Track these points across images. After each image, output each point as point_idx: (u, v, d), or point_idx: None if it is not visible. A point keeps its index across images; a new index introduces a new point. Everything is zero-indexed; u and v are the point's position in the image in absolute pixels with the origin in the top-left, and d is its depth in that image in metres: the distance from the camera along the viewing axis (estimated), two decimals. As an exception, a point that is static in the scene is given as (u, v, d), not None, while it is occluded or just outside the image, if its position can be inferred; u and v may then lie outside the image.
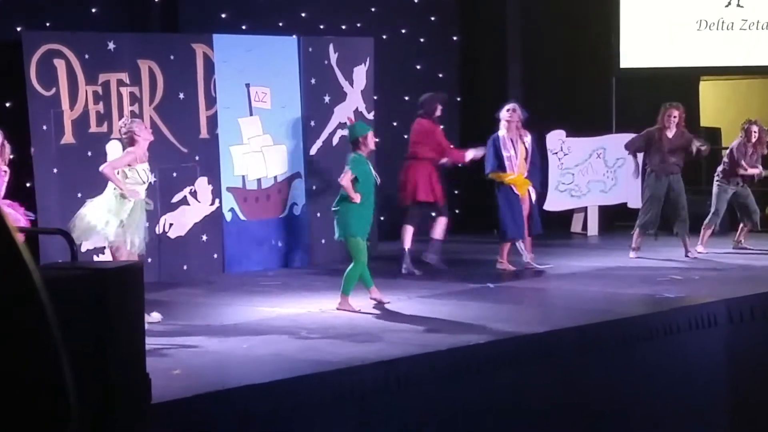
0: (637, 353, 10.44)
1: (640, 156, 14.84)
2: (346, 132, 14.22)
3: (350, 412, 8.51)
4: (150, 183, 10.98)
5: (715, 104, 18.81)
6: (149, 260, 11.99)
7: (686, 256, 14.42)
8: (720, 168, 15.07)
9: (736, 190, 14.97)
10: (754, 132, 15.04)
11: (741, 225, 15.21)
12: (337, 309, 11.07)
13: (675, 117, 14.52)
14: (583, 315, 10.75)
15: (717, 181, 15.04)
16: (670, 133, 14.48)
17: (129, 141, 10.90)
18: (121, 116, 12.52)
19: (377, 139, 12.39)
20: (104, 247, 10.99)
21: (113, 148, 11.96)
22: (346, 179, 11.14)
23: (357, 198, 11.07)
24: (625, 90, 17.54)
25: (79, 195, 11.89)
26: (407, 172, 13.72)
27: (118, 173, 10.59)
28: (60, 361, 2.01)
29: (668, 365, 10.63)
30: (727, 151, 15.19)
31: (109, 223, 10.56)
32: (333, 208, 11.38)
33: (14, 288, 2.00)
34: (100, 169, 10.67)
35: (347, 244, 11.23)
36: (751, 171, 14.91)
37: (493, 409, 9.38)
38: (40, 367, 2.02)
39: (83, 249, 10.72)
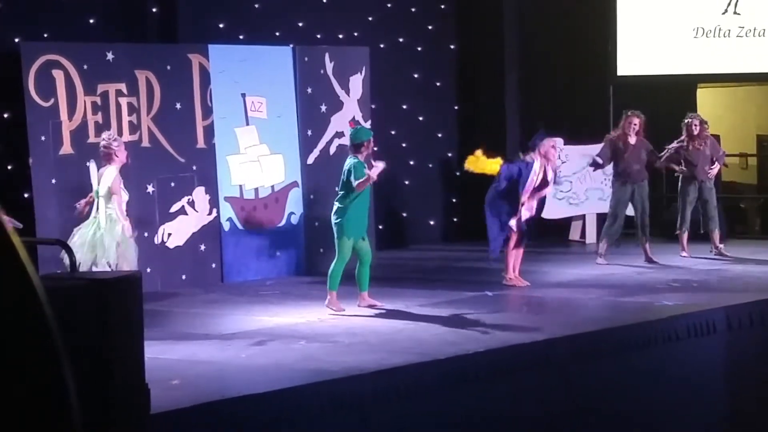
0: (636, 361, 10.44)
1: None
2: (343, 141, 14.25)
3: (349, 422, 8.51)
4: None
5: (712, 111, 18.78)
6: (148, 270, 11.98)
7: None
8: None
9: (699, 188, 14.87)
10: (695, 126, 14.95)
11: (710, 232, 15.05)
12: (326, 306, 11.39)
13: (635, 125, 14.55)
14: (581, 323, 10.75)
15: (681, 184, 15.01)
16: (632, 140, 14.51)
17: (107, 157, 11.10)
18: (120, 127, 12.56)
19: (375, 148, 12.41)
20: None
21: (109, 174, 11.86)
22: (362, 184, 11.37)
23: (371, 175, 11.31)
24: (622, 98, 17.53)
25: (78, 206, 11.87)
26: None
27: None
28: (63, 371, 2.02)
29: (667, 372, 10.62)
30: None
31: (107, 248, 10.76)
32: (334, 212, 11.57)
33: (19, 300, 2.01)
34: (120, 203, 10.97)
35: (336, 243, 11.54)
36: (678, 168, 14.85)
37: (491, 417, 9.38)
38: (44, 377, 2.02)
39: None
